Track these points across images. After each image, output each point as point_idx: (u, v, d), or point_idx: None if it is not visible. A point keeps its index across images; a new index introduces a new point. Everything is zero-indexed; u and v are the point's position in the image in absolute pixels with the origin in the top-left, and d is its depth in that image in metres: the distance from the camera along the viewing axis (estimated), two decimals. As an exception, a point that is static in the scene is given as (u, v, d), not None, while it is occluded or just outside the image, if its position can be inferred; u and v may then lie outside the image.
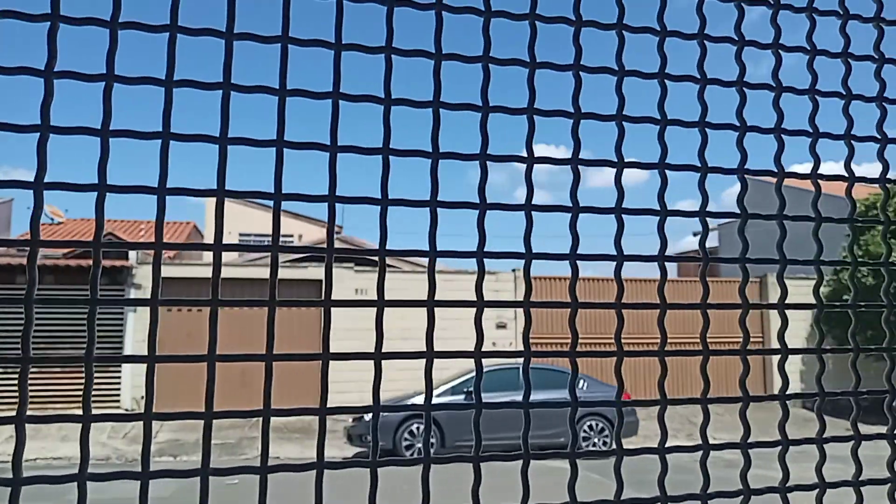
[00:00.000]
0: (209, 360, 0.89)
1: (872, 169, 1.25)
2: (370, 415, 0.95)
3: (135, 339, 15.62)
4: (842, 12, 1.21)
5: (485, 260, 1.00)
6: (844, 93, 1.19)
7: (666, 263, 1.10)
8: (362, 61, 1.02)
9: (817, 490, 1.12)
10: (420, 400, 13.21)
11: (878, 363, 1.21)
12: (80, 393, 0.89)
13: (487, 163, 0.99)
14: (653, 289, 1.07)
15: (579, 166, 1.03)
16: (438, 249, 0.97)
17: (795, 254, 1.15)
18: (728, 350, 1.11)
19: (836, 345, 1.17)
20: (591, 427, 12.86)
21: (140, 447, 0.87)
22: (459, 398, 12.12)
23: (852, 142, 1.19)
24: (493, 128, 1.00)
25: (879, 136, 1.21)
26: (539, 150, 1.03)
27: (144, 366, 0.88)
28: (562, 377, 12.64)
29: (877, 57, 1.22)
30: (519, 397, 1.02)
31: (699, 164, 1.11)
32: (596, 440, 12.90)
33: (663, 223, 1.08)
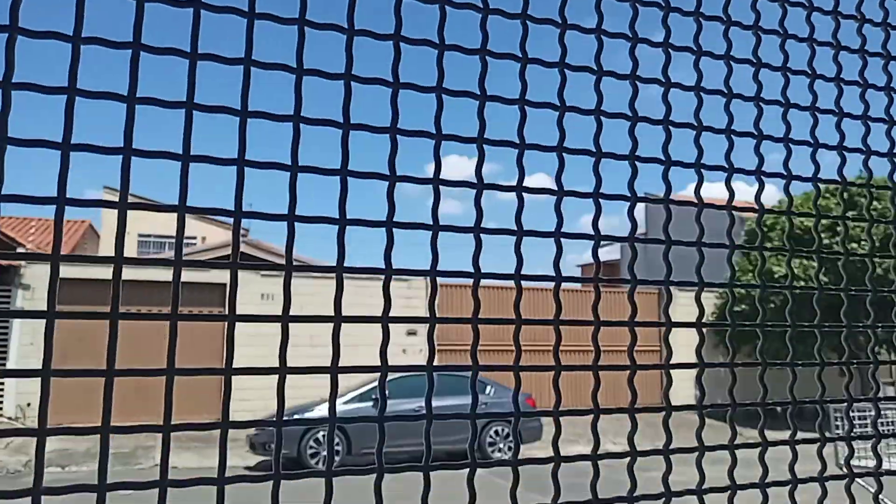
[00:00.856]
0: (107, 375, 0.87)
1: (770, 190, 1.38)
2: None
3: (21, 342, 14.67)
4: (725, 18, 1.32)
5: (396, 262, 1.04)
6: (754, 99, 1.31)
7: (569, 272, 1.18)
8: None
9: (729, 491, 1.23)
10: (325, 408, 13.03)
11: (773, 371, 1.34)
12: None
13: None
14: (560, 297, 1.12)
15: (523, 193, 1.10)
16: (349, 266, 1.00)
17: (684, 262, 1.25)
18: (654, 364, 1.20)
19: (729, 352, 1.29)
20: (496, 433, 13.08)
21: (27, 458, 0.85)
22: (368, 405, 12.05)
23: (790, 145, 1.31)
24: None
25: (813, 140, 1.34)
26: (451, 160, 1.09)
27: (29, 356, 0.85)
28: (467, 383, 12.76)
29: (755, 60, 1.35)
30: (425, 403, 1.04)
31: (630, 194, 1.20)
32: (501, 445, 13.13)
33: (597, 248, 1.16)
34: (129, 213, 0.93)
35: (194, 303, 15.55)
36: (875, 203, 1.48)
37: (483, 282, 1.08)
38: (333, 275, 0.98)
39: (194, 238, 26.38)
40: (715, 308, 15.01)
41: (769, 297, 1.41)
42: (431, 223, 1.04)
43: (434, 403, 1.03)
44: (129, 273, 0.94)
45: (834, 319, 1.37)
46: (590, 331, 1.14)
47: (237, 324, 0.95)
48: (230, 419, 0.88)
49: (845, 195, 1.43)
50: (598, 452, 1.15)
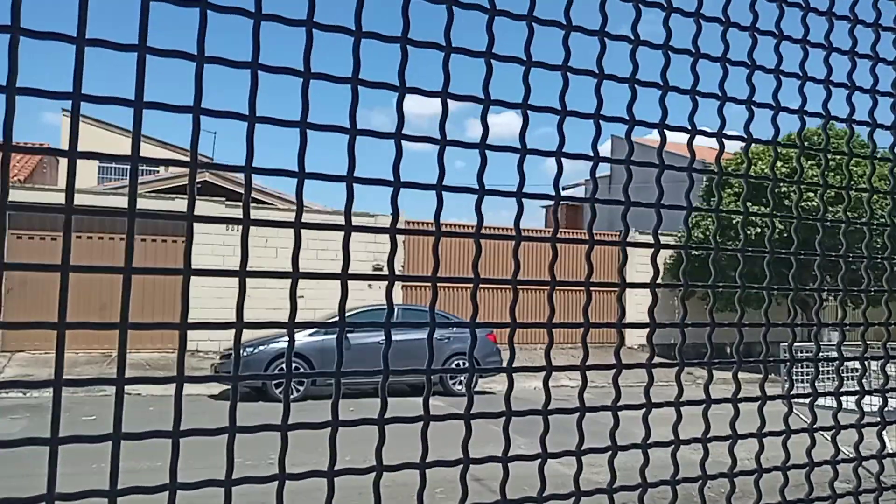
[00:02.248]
0: (59, 328, 0.85)
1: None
2: (240, 351, 0.96)
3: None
4: None
5: (366, 204, 1.03)
6: (721, 60, 1.33)
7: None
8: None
9: (672, 446, 1.29)
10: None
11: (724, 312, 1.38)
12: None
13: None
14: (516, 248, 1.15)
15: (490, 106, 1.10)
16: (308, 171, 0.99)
17: (649, 197, 1.27)
18: (606, 323, 1.23)
19: (688, 292, 1.32)
20: (458, 366, 13.35)
21: None
22: (332, 337, 12.15)
23: (725, 103, 1.33)
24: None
25: (747, 98, 1.36)
26: (416, 96, 1.09)
27: None
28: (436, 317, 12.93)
29: (748, 28, 1.36)
30: (393, 336, 1.06)
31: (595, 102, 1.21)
32: (462, 378, 13.41)
33: (560, 155, 1.17)
34: (90, 139, 0.91)
35: (159, 231, 15.34)
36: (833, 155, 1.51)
37: (448, 219, 1.09)
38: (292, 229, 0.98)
39: (156, 169, 25.75)
40: (673, 252, 15.21)
41: (726, 242, 1.45)
42: (393, 179, 1.04)
43: (398, 337, 1.05)
44: (86, 199, 0.92)
45: (787, 265, 1.42)
46: (545, 263, 1.17)
47: (201, 258, 0.95)
48: (196, 350, 0.88)
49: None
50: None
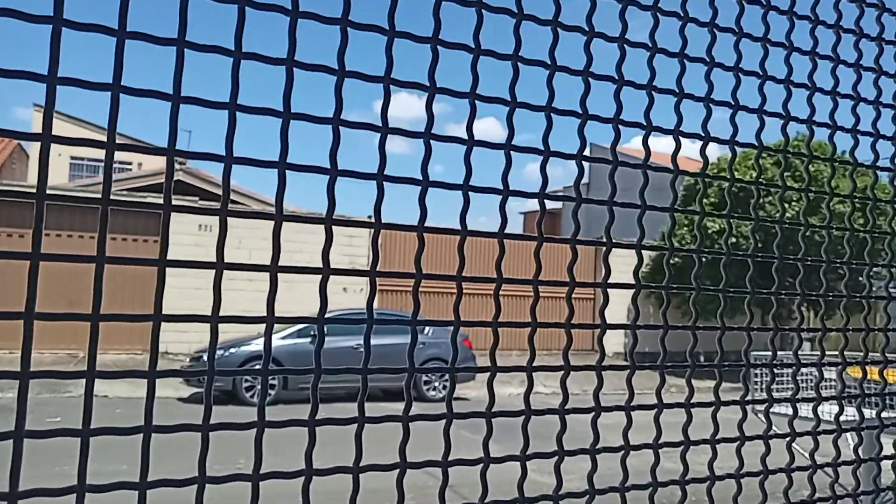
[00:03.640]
0: (26, 318, 0.81)
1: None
2: (206, 354, 0.92)
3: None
4: None
5: (340, 208, 1.00)
6: (708, 60, 1.32)
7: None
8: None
9: (622, 451, 1.28)
10: (261, 343, 13.03)
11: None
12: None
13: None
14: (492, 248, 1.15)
15: (476, 101, 1.08)
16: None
17: (627, 227, 1.27)
18: (589, 324, 1.22)
19: (662, 303, 1.32)
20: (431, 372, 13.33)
21: None
22: (305, 341, 12.06)
23: (711, 105, 1.33)
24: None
25: (733, 103, 1.36)
26: (400, 98, 1.07)
27: None
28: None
29: (736, 30, 1.35)
30: (368, 332, 1.03)
31: (580, 111, 1.19)
32: (437, 384, 13.40)
33: (545, 164, 1.16)
34: (60, 132, 0.87)
35: (130, 230, 15.11)
36: (812, 166, 1.52)
37: (427, 223, 1.06)
38: (269, 237, 0.95)
39: (129, 164, 25.42)
40: (650, 260, 15.46)
41: (703, 251, 1.46)
42: (376, 173, 1.02)
43: (374, 342, 1.02)
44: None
45: (765, 276, 1.42)
46: (530, 272, 1.15)
47: (174, 257, 0.91)
48: (166, 352, 0.85)
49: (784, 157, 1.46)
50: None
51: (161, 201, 0.91)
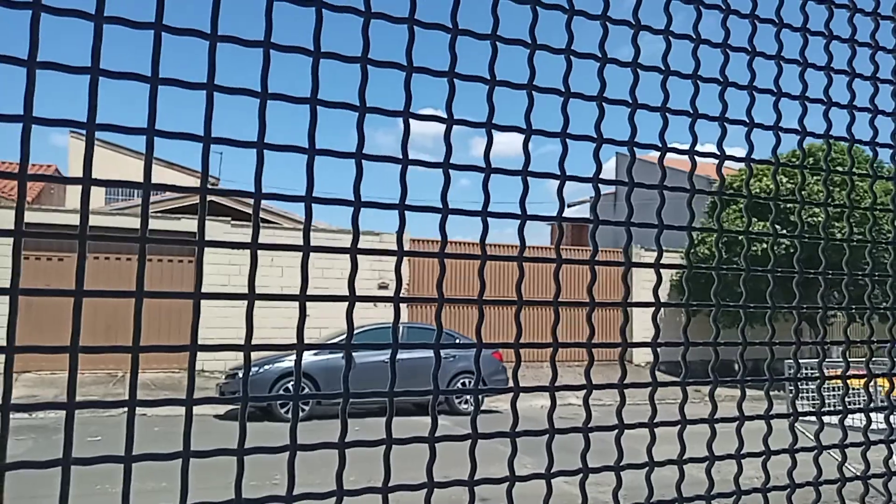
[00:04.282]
0: (71, 352, 0.86)
1: (738, 152, 1.42)
2: (241, 372, 0.97)
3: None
4: (724, 7, 1.35)
5: (373, 224, 1.05)
6: (721, 80, 1.34)
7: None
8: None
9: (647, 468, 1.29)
10: (293, 360, 13.12)
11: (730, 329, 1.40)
12: None
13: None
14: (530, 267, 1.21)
15: (493, 130, 1.12)
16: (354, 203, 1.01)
17: (651, 215, 1.29)
18: (612, 301, 1.24)
19: (692, 319, 1.34)
20: (463, 384, 13.30)
21: None
22: (339, 356, 12.13)
23: (725, 124, 1.35)
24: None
25: (748, 121, 1.37)
26: (426, 112, 1.11)
27: None
28: (443, 336, 12.96)
29: (749, 49, 1.37)
30: (398, 355, 1.07)
31: (595, 136, 1.22)
32: (468, 397, 13.36)
33: (562, 187, 1.19)
34: (97, 160, 0.92)
35: (165, 252, 15.40)
36: (835, 174, 1.53)
37: (453, 238, 1.10)
38: (300, 253, 0.99)
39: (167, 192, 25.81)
40: (677, 271, 15.21)
41: (731, 258, 1.47)
42: (441, 207, 1.06)
43: (403, 356, 1.06)
44: (95, 220, 0.93)
45: (800, 285, 1.43)
46: (548, 284, 1.18)
47: (206, 278, 0.96)
48: (202, 369, 0.89)
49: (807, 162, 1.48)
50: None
51: (195, 222, 0.95)
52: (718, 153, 1.34)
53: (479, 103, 1.16)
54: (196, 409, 0.94)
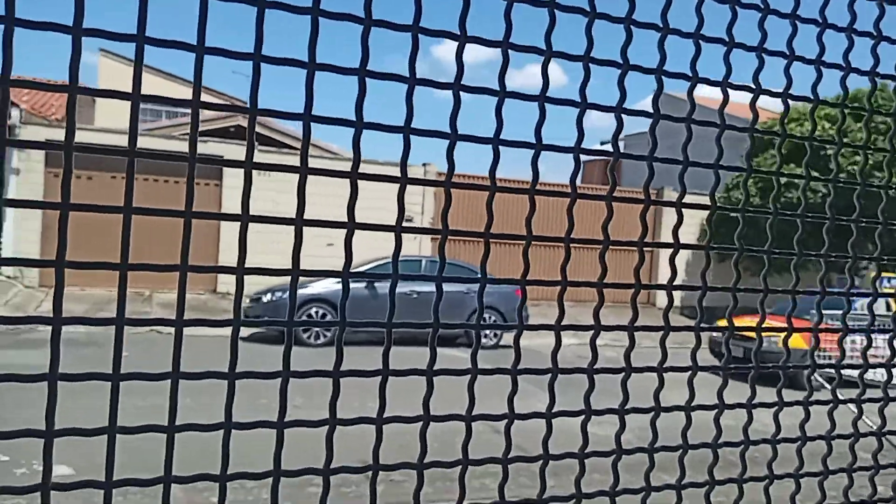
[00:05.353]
0: (121, 269, 0.86)
1: (776, 87, 1.33)
2: (267, 295, 0.95)
3: (15, 212, 14.69)
4: None
5: (390, 153, 1.00)
6: (762, 6, 1.24)
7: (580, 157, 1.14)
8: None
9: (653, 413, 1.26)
10: (318, 288, 13.32)
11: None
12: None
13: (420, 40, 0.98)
14: (557, 203, 1.16)
15: (510, 49, 1.04)
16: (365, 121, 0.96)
17: (693, 177, 1.22)
18: (627, 241, 1.19)
19: (722, 271, 1.27)
20: (484, 320, 13.39)
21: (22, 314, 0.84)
22: (361, 285, 12.25)
23: (763, 55, 1.25)
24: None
25: (788, 52, 1.27)
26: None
27: (26, 230, 0.84)
28: (463, 271, 13.04)
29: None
30: (419, 287, 1.05)
31: (621, 62, 1.14)
32: (488, 332, 13.48)
33: (582, 117, 1.12)
34: (122, 76, 0.89)
35: (183, 173, 15.44)
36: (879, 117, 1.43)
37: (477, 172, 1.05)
38: (347, 179, 0.96)
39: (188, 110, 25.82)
40: (711, 222, 15.02)
41: (766, 205, 1.40)
42: (450, 132, 1.01)
43: (426, 289, 1.04)
44: (119, 139, 0.92)
45: (839, 234, 1.36)
46: (581, 222, 1.13)
47: (233, 208, 0.93)
48: (227, 292, 0.87)
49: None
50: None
51: (222, 146, 0.92)
52: (754, 86, 1.25)
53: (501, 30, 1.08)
54: (222, 332, 0.94)
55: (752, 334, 1.33)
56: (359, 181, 0.97)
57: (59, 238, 0.83)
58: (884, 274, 1.40)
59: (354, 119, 0.95)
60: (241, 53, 0.90)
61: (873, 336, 1.44)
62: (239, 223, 0.92)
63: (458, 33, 1.00)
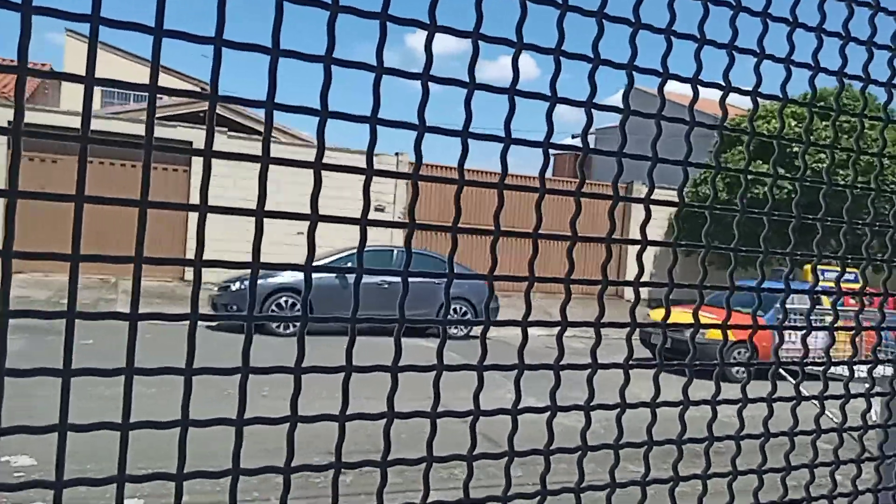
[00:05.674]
0: (72, 260, 0.82)
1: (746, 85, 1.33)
2: (236, 284, 0.93)
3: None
4: None
5: (362, 142, 0.98)
6: (734, 3, 1.23)
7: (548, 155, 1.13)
8: None
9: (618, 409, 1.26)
10: (288, 277, 13.23)
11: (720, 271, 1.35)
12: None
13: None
14: (528, 194, 1.15)
15: (480, 40, 1.02)
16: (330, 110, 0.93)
17: (662, 172, 1.22)
18: (595, 237, 1.18)
19: (688, 263, 1.27)
20: (454, 310, 13.42)
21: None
22: (330, 276, 12.18)
23: (734, 52, 1.25)
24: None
25: (758, 50, 1.27)
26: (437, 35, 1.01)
27: None
28: (434, 261, 13.03)
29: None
30: (391, 278, 1.04)
31: (591, 56, 1.12)
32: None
33: (552, 111, 1.10)
34: (97, 63, 0.85)
35: (158, 160, 15.18)
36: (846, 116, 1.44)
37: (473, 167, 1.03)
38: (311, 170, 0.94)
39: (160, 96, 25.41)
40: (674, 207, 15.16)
41: (732, 200, 1.41)
42: (417, 123, 0.99)
43: (394, 280, 1.02)
44: (92, 124, 0.88)
45: (805, 231, 1.37)
46: (552, 215, 1.12)
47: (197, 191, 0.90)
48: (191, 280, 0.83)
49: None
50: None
51: (191, 131, 0.89)
52: (724, 84, 1.25)
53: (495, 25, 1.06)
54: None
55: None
56: (324, 171, 0.95)
57: (5, 226, 0.79)
58: (820, 267, 1.41)
59: (319, 108, 0.93)
60: (201, 37, 0.87)
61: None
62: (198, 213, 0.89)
63: (428, 22, 0.98)
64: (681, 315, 1.36)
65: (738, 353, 10.36)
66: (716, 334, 1.28)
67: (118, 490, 0.85)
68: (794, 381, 1.42)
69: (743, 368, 1.50)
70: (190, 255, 0.92)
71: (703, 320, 1.28)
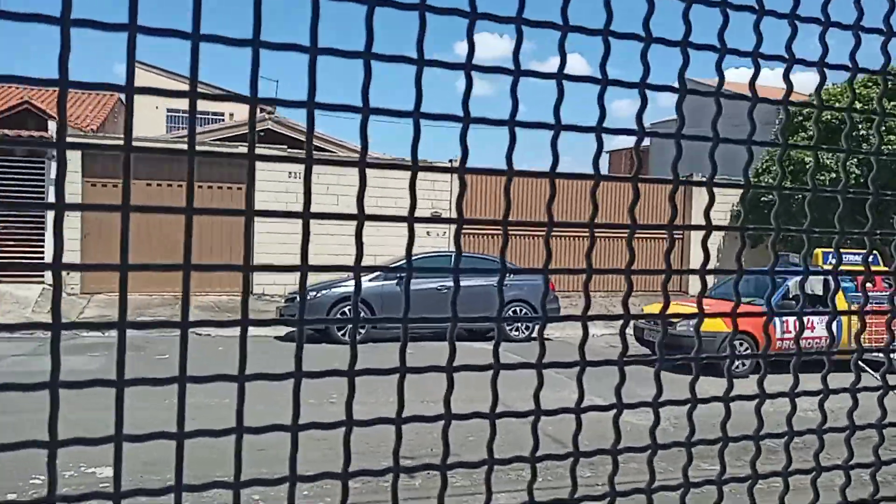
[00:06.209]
0: (122, 270, 0.83)
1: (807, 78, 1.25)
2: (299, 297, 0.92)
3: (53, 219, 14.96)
4: None
5: (420, 151, 0.95)
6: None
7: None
8: None
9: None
10: (352, 286, 13.31)
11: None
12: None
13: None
14: (581, 192, 1.09)
15: (523, 25, 0.98)
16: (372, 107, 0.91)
17: (720, 164, 1.15)
18: (656, 224, 1.12)
19: (754, 251, 1.20)
20: (514, 313, 13.29)
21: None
22: (391, 283, 12.26)
23: (796, 22, 1.17)
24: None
25: (823, 19, 1.19)
26: (483, 38, 0.98)
27: (66, 237, 0.82)
28: (492, 264, 12.92)
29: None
30: (448, 282, 1.01)
31: (643, 34, 1.07)
32: (519, 325, 13.39)
33: (602, 93, 1.06)
34: (156, 83, 0.87)
35: (215, 178, 15.58)
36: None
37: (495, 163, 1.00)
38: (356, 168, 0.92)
39: (222, 115, 26.18)
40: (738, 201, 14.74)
41: (784, 187, 1.33)
42: (462, 115, 0.95)
43: (452, 284, 0.99)
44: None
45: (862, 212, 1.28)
46: (608, 212, 1.07)
47: (264, 204, 0.89)
48: (263, 293, 0.83)
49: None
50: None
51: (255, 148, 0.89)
52: (787, 56, 1.17)
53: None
54: (258, 331, 0.93)
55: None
56: (381, 181, 0.93)
57: (55, 240, 0.80)
58: (824, 250, 1.31)
59: (361, 105, 0.90)
60: (238, 40, 0.86)
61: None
62: (247, 220, 0.88)
63: (469, 10, 0.95)
64: (679, 307, 1.28)
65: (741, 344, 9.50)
66: (716, 326, 1.21)
67: (176, 499, 0.84)
68: (875, 374, 1.33)
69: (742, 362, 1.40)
70: (261, 278, 0.91)
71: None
